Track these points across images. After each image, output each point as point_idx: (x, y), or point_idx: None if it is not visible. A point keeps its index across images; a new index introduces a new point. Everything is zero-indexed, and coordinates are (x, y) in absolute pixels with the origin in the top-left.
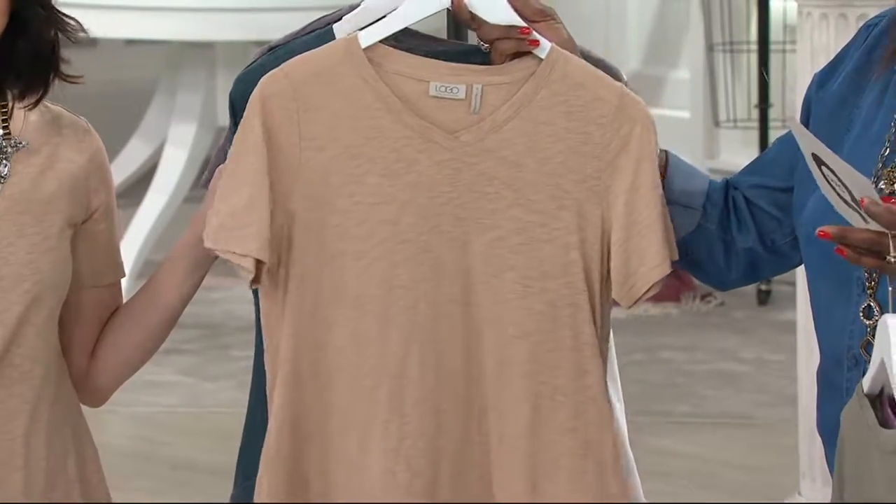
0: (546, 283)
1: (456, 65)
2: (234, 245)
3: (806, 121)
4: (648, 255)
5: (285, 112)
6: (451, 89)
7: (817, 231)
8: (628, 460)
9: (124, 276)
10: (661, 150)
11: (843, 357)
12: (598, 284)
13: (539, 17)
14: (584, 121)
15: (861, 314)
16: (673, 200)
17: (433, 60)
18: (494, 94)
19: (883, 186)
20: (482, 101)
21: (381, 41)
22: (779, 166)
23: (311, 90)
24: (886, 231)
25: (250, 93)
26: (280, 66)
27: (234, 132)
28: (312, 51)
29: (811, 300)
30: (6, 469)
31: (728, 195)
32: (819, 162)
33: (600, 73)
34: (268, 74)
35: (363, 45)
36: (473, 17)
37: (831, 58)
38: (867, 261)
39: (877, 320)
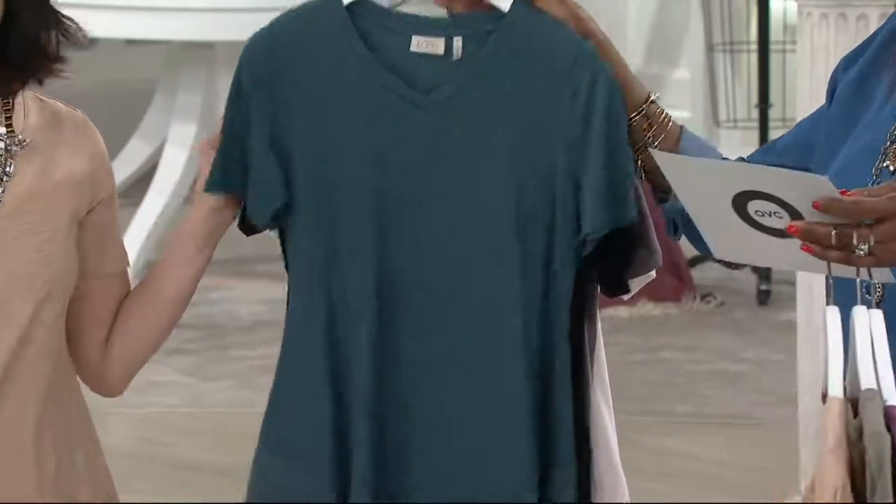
0: None
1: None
2: None
3: (830, 101)
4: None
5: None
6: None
7: (787, 227)
8: (615, 466)
9: (129, 264)
10: (675, 123)
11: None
12: None
13: None
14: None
15: (863, 288)
16: None
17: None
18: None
19: (889, 163)
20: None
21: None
22: (796, 148)
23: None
24: (850, 224)
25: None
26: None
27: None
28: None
29: None
30: (19, 464)
31: None
32: (743, 200)
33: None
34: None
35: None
36: None
37: (831, 57)
38: (833, 255)
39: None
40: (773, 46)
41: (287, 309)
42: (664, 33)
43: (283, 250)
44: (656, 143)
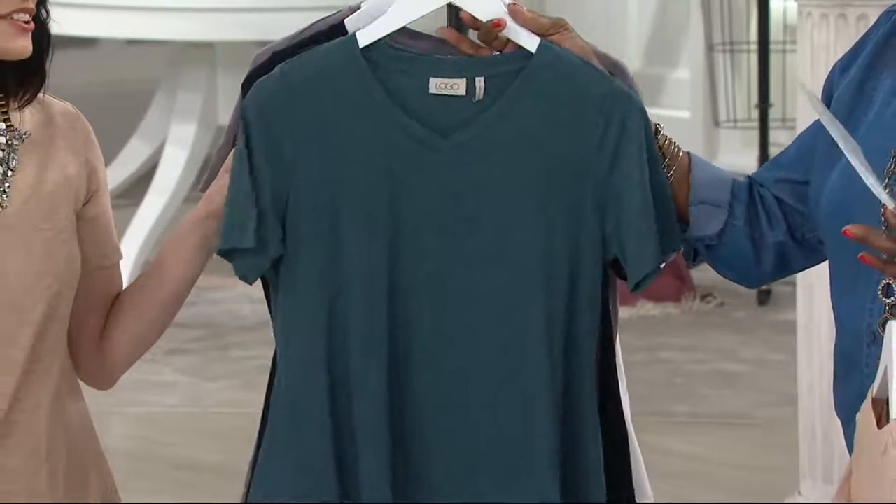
0: None
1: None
2: None
3: (827, 106)
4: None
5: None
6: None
7: (843, 229)
8: (637, 460)
9: (122, 257)
10: (683, 151)
11: (863, 334)
12: None
13: (552, 30)
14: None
15: (880, 292)
16: (698, 200)
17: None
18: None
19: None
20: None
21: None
22: (801, 160)
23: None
24: None
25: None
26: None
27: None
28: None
29: (830, 276)
30: (33, 461)
31: (753, 191)
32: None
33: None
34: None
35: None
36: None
37: (831, 58)
38: (893, 269)
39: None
40: (773, 46)
41: (277, 350)
42: (664, 33)
43: (268, 298)
44: (670, 174)
